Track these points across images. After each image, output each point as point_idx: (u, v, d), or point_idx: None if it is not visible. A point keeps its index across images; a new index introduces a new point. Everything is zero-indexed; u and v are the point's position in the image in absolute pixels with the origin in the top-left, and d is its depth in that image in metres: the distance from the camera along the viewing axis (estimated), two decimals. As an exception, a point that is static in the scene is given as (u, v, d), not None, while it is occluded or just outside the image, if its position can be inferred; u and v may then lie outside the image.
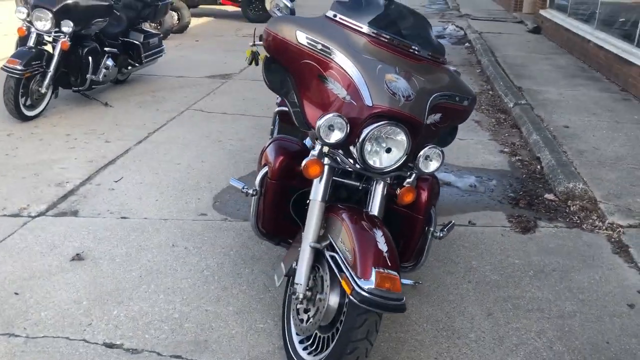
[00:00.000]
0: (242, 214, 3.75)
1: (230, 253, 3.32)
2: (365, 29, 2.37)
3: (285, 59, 2.39)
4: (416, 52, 2.39)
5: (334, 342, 2.17)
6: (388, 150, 2.23)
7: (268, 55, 2.47)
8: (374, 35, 2.37)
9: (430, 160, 2.29)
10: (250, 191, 2.60)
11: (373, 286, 2.00)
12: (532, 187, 4.36)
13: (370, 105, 2.20)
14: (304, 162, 2.26)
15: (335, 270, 2.17)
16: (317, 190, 2.33)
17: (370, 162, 2.25)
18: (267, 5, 2.77)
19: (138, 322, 2.71)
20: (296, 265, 2.38)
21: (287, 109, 2.57)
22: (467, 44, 10.07)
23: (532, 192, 4.28)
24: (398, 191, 2.33)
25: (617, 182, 4.24)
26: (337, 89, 2.28)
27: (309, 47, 2.31)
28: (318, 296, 2.30)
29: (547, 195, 4.19)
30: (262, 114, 5.77)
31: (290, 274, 2.45)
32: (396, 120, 2.21)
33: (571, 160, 4.63)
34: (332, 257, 2.21)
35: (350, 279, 2.04)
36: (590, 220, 3.80)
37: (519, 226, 3.74)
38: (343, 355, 2.11)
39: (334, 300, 2.24)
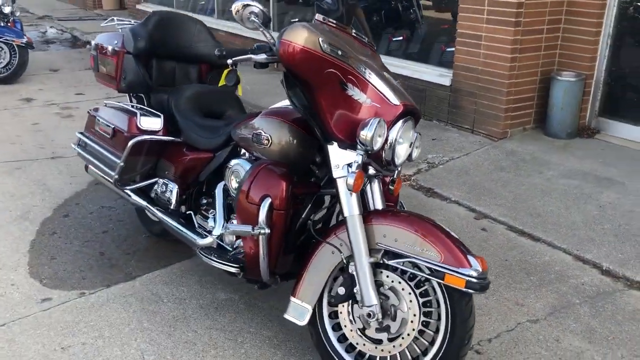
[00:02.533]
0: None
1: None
2: (348, 29, 2.29)
3: (308, 70, 2.10)
4: (370, 42, 2.45)
5: (445, 340, 2.14)
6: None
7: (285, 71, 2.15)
8: (355, 35, 2.33)
9: (416, 148, 2.41)
10: (259, 231, 2.23)
11: (481, 270, 2.07)
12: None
13: (398, 103, 2.19)
14: (350, 181, 2.10)
15: (423, 273, 2.13)
16: (353, 205, 2.20)
17: (397, 160, 2.25)
18: (236, 15, 2.29)
19: None
20: (346, 289, 2.23)
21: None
22: (88, 46, 9.43)
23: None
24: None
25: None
26: (356, 94, 2.18)
27: (331, 55, 2.11)
28: (397, 309, 2.20)
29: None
30: None
31: (337, 301, 2.27)
32: (408, 113, 2.26)
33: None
34: (402, 263, 2.16)
35: (456, 273, 2.05)
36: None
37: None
38: (462, 347, 2.14)
39: (416, 304, 2.19)
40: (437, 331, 2.17)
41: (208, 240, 2.75)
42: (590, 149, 4.97)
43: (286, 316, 2.40)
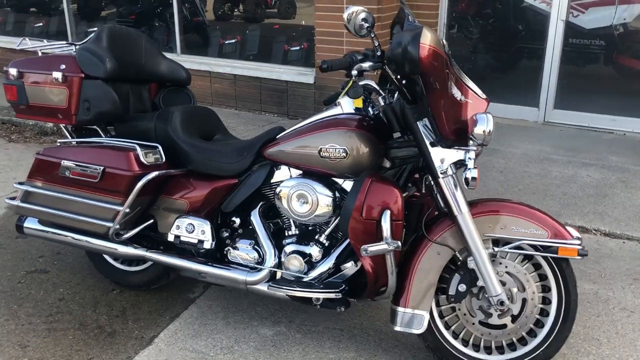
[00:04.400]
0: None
1: None
2: None
3: (436, 72, 2.05)
4: None
5: (561, 306, 2.32)
6: None
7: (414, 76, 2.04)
8: None
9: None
10: (394, 247, 2.13)
11: (579, 236, 2.32)
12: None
13: (485, 97, 2.30)
14: (472, 175, 2.16)
15: (537, 251, 2.29)
16: (463, 202, 2.26)
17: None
18: (349, 22, 2.03)
19: None
20: (467, 285, 2.30)
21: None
22: None
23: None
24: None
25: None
26: (456, 92, 2.22)
27: (447, 55, 2.09)
28: (519, 293, 2.32)
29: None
30: None
31: (458, 299, 2.32)
32: None
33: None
34: (516, 247, 2.30)
35: (566, 245, 2.27)
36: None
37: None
38: (575, 309, 2.35)
39: (533, 283, 2.34)
40: (549, 302, 2.35)
41: (263, 273, 2.50)
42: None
43: (398, 328, 2.33)
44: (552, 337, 2.33)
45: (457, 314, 2.37)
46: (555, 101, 5.59)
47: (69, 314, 2.84)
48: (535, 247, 2.28)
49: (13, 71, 2.76)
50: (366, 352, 2.57)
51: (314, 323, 2.77)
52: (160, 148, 2.60)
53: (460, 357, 2.36)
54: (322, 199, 2.38)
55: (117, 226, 2.57)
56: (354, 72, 2.14)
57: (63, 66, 2.66)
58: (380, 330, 2.72)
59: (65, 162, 2.61)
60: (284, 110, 6.05)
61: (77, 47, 2.82)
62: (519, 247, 2.29)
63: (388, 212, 2.18)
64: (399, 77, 2.23)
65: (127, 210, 2.54)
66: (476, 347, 2.40)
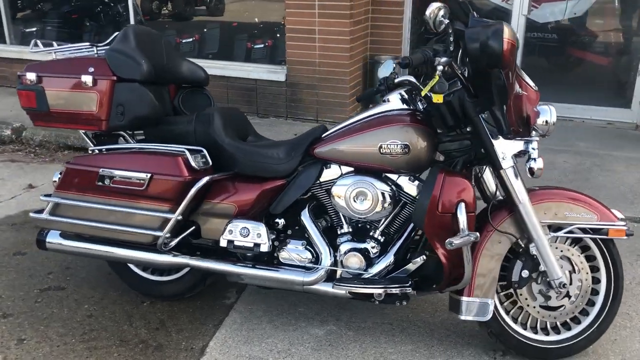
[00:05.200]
0: None
1: None
2: None
3: (511, 66, 2.11)
4: None
5: (611, 284, 2.45)
6: None
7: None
8: None
9: None
10: (474, 238, 2.19)
11: (623, 217, 2.48)
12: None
13: (537, 89, 2.41)
14: (539, 166, 2.26)
15: (587, 235, 2.43)
16: (524, 191, 2.35)
17: None
18: (430, 18, 2.02)
19: None
20: (530, 271, 2.40)
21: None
22: None
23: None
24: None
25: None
26: (516, 85, 2.30)
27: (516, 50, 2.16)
28: (574, 274, 2.44)
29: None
30: None
31: (522, 284, 2.41)
32: None
33: None
34: (569, 232, 2.43)
35: (615, 226, 2.42)
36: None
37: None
38: (622, 288, 2.50)
39: (586, 264, 2.47)
40: (598, 282, 2.49)
41: (320, 273, 2.49)
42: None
43: (464, 317, 2.40)
44: (603, 314, 2.47)
45: (519, 299, 2.46)
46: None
47: (104, 330, 2.69)
48: (584, 230, 2.41)
49: (31, 76, 2.58)
50: (422, 343, 2.61)
51: (362, 319, 2.78)
52: (205, 152, 2.51)
53: (522, 339, 2.46)
54: (382, 196, 2.40)
55: (168, 235, 2.47)
56: (440, 68, 2.15)
57: (91, 69, 2.52)
58: (427, 321, 2.77)
59: (104, 171, 2.47)
60: (254, 109, 5.98)
61: (99, 48, 2.68)
62: (570, 231, 2.42)
63: (463, 205, 2.23)
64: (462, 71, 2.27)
65: (180, 217, 2.45)
66: (534, 329, 2.50)
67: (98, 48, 2.68)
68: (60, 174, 2.68)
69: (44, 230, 2.74)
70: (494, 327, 2.45)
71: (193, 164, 2.44)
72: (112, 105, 2.52)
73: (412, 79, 2.51)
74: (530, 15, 5.83)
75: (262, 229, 2.51)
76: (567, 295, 2.44)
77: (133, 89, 2.50)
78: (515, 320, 2.49)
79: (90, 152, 2.60)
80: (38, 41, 2.73)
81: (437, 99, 2.21)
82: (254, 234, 2.51)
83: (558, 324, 2.51)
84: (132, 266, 2.88)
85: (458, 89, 2.34)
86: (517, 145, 2.31)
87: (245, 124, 2.83)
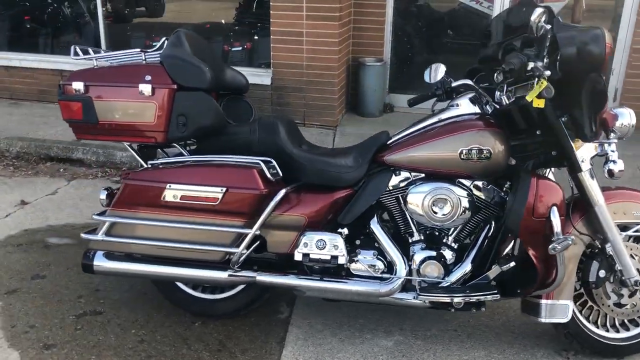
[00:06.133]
0: None
1: None
2: None
3: (605, 69, 2.13)
4: None
5: None
6: None
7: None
8: None
9: None
10: (570, 241, 2.21)
11: None
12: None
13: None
14: (619, 168, 2.31)
15: None
16: (600, 193, 2.40)
17: None
18: (535, 22, 1.98)
19: None
20: (606, 270, 2.45)
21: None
22: None
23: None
24: None
25: None
26: None
27: None
28: None
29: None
30: None
31: (599, 284, 2.45)
32: None
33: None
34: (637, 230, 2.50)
35: None
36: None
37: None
38: None
39: None
40: None
41: (397, 283, 2.44)
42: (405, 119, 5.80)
43: (544, 320, 2.42)
44: None
45: (595, 298, 2.50)
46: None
47: (163, 355, 2.51)
48: None
49: (77, 85, 2.37)
50: (494, 348, 2.61)
51: (425, 328, 2.74)
52: (274, 162, 2.40)
53: (596, 338, 2.50)
54: (463, 202, 2.37)
55: (245, 251, 2.34)
56: (548, 73, 2.14)
57: (148, 77, 2.35)
58: (489, 325, 2.78)
59: (172, 186, 2.31)
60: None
61: (147, 55, 2.50)
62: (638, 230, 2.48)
63: (555, 209, 2.24)
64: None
65: (258, 232, 2.32)
66: (604, 327, 2.55)
67: (146, 54, 2.50)
68: (108, 191, 2.49)
69: (89, 253, 2.53)
70: (571, 328, 2.48)
71: (269, 175, 2.32)
72: (171, 116, 2.36)
73: (470, 82, 2.51)
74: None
75: (339, 240, 2.43)
76: (636, 292, 2.51)
77: (198, 98, 2.36)
78: (587, 319, 2.53)
79: (147, 166, 2.42)
80: (77, 48, 2.51)
81: (539, 103, 2.20)
82: (330, 246, 2.42)
83: (626, 321, 2.57)
84: (181, 285, 2.71)
85: None
86: (595, 148, 2.35)
87: (299, 132, 2.73)
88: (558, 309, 2.41)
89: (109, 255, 2.53)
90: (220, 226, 2.33)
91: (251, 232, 2.31)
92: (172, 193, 2.31)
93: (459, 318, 2.81)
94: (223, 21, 6.69)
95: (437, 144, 2.38)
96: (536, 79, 2.14)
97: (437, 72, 2.62)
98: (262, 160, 2.35)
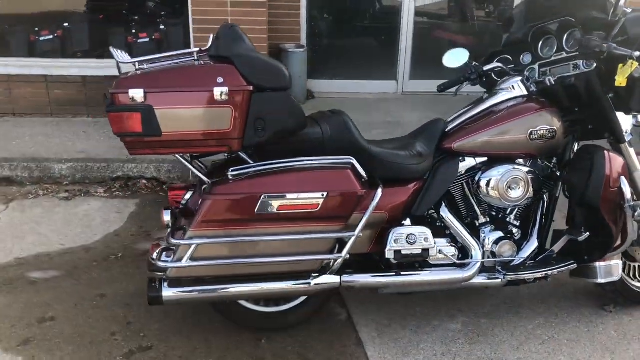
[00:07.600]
0: None
1: None
2: None
3: None
4: None
5: None
6: None
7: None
8: None
9: None
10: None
11: None
12: None
13: None
14: None
15: None
16: (637, 158, 2.67)
17: None
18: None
19: None
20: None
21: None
22: None
23: None
24: None
25: None
26: None
27: None
28: None
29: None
30: None
31: None
32: None
33: None
34: None
35: None
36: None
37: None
38: None
39: None
40: None
41: (476, 267, 2.50)
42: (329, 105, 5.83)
43: (601, 281, 2.63)
44: None
45: (635, 255, 2.77)
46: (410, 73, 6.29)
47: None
48: None
49: (136, 93, 2.04)
50: (548, 313, 2.79)
51: (480, 305, 2.84)
52: (354, 160, 2.29)
53: (637, 290, 2.78)
54: (531, 181, 2.48)
55: (347, 256, 2.22)
56: (636, 54, 2.26)
57: (220, 79, 2.10)
58: (532, 293, 2.96)
59: (267, 196, 2.10)
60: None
61: (199, 54, 2.23)
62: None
63: (623, 177, 2.43)
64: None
65: (360, 234, 2.22)
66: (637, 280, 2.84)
67: (199, 54, 2.23)
68: (173, 211, 2.21)
69: (154, 283, 2.23)
70: (618, 285, 2.73)
71: (363, 174, 2.23)
72: (248, 120, 2.14)
73: (502, 65, 2.64)
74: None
75: (428, 232, 2.40)
76: None
77: (280, 100, 2.17)
78: (628, 275, 2.80)
79: (230, 177, 2.17)
80: (117, 51, 2.16)
81: (621, 82, 2.34)
82: (421, 240, 2.39)
83: None
84: (244, 303, 2.49)
85: (585, 71, 2.48)
86: (632, 119, 2.59)
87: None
88: (612, 268, 2.63)
89: (174, 282, 2.25)
90: (320, 233, 2.18)
91: (354, 234, 2.21)
92: (268, 203, 2.11)
93: (502, 292, 2.95)
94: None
95: (506, 127, 2.45)
96: (627, 60, 2.29)
97: (460, 56, 2.71)
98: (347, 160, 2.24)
